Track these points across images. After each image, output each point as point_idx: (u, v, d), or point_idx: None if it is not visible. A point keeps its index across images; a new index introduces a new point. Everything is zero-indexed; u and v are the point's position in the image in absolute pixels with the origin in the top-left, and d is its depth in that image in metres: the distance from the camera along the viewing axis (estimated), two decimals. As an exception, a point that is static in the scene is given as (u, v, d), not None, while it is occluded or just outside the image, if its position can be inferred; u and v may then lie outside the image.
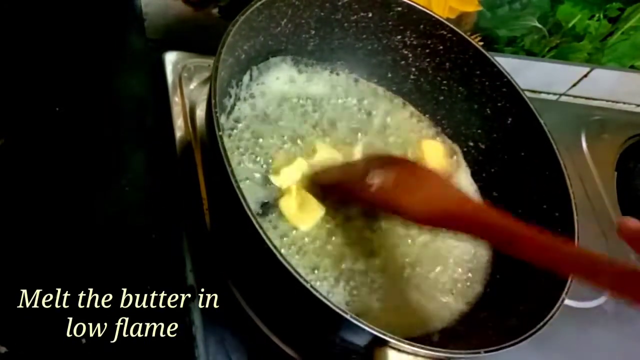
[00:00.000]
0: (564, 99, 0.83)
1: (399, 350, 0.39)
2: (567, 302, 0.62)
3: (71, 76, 0.49)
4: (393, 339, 0.38)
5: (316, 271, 0.48)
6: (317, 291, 0.37)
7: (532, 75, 0.74)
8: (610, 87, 0.82)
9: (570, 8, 0.68)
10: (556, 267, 0.39)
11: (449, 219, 0.41)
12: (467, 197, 0.44)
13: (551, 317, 0.44)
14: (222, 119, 0.50)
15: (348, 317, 0.37)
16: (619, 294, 0.34)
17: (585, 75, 0.79)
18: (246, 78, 0.53)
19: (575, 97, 0.83)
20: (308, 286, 0.37)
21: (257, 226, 0.37)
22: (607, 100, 0.85)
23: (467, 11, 0.65)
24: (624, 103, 0.86)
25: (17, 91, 0.47)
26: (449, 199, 0.42)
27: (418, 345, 0.39)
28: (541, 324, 0.43)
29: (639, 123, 0.85)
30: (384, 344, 0.39)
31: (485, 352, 0.41)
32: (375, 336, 0.38)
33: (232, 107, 0.52)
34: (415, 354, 0.39)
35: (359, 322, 0.37)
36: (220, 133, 0.40)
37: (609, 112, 0.85)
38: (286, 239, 0.49)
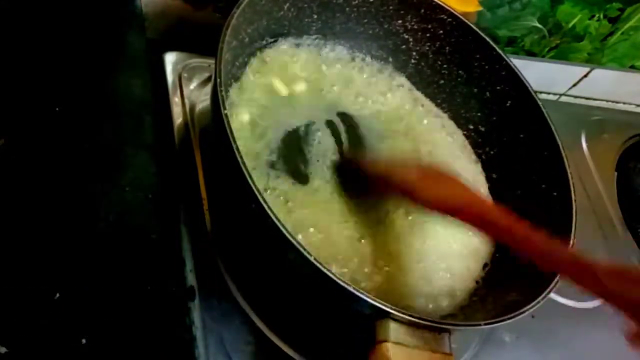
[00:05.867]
0: (564, 99, 0.83)
1: (400, 322, 0.39)
2: (567, 302, 0.62)
3: (71, 76, 0.49)
4: (394, 310, 0.38)
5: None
6: (320, 264, 0.37)
7: (532, 76, 0.73)
8: (610, 87, 0.82)
9: (570, 8, 0.68)
10: (546, 267, 0.43)
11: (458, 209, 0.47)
12: (475, 195, 0.50)
13: (550, 291, 0.44)
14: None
15: (351, 289, 0.37)
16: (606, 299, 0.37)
17: (585, 76, 0.79)
18: (251, 61, 0.54)
19: (575, 97, 0.83)
20: (312, 259, 0.37)
21: (262, 201, 0.38)
22: (607, 100, 0.85)
23: (467, 11, 0.65)
24: (624, 103, 0.86)
25: (17, 91, 0.47)
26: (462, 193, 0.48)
27: (419, 316, 0.39)
28: (540, 297, 0.43)
29: (639, 123, 0.85)
30: (386, 315, 0.39)
31: (485, 324, 0.41)
32: (377, 308, 0.38)
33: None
34: (416, 326, 0.40)
35: (362, 294, 0.38)
36: (226, 111, 0.40)
37: (609, 112, 0.85)
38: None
